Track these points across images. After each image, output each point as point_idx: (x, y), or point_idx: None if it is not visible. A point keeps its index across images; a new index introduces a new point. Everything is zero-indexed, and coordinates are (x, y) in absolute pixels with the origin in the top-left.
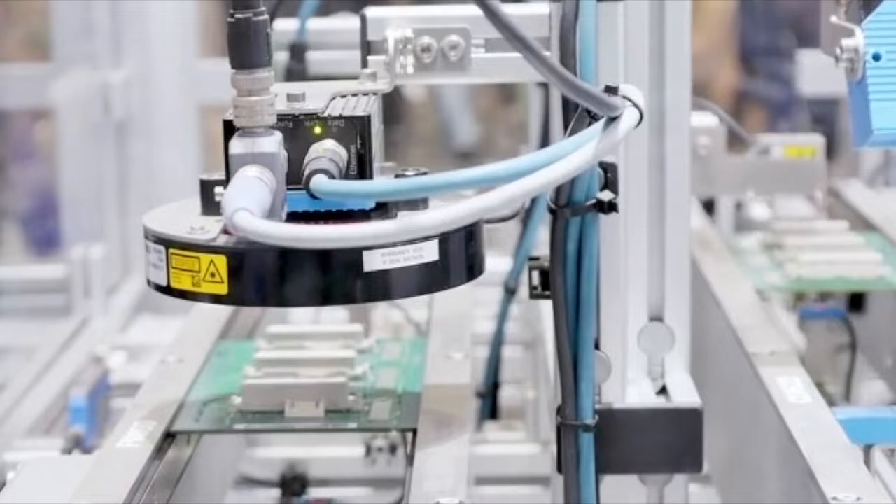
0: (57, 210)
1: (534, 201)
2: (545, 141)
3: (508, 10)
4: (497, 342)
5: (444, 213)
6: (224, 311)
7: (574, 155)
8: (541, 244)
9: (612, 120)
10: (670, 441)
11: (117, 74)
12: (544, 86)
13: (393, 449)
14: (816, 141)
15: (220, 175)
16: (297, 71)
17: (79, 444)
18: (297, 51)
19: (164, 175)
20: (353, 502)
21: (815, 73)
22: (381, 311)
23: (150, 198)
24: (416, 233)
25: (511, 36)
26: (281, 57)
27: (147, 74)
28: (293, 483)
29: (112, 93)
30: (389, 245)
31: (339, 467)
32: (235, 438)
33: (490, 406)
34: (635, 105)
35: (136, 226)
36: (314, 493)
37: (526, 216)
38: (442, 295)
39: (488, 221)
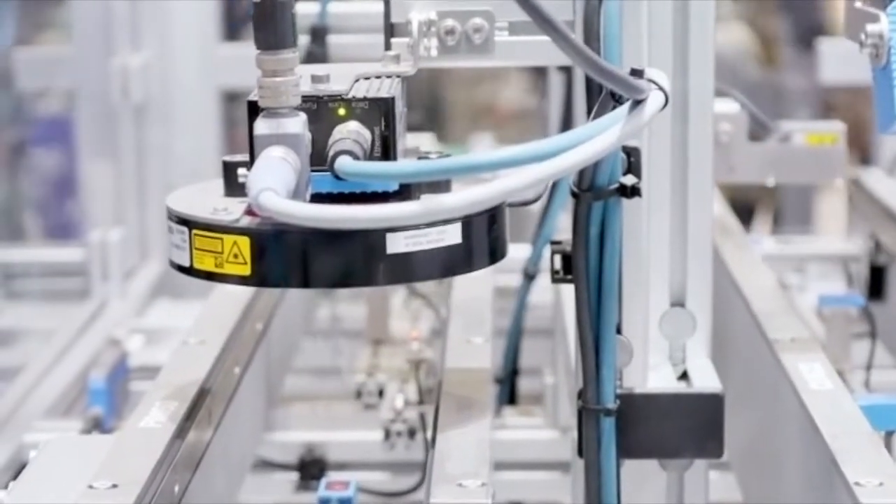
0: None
1: (554, 186)
2: (566, 127)
3: None
4: (516, 328)
5: (468, 195)
6: (245, 292)
7: (599, 137)
8: (561, 230)
9: (637, 103)
10: (691, 426)
11: (136, 58)
12: (566, 71)
13: (412, 433)
14: (838, 128)
15: (243, 157)
16: (318, 54)
17: (98, 426)
18: (319, 34)
19: (182, 160)
20: (372, 486)
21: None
22: (399, 297)
23: (169, 183)
24: (440, 215)
25: (537, 17)
26: (302, 41)
27: (166, 58)
28: (311, 466)
29: (131, 77)
30: (413, 227)
31: (357, 451)
32: (254, 421)
33: (508, 392)
34: (661, 88)
35: (154, 210)
36: (333, 476)
37: (547, 201)
38: (462, 279)
39: (511, 205)
